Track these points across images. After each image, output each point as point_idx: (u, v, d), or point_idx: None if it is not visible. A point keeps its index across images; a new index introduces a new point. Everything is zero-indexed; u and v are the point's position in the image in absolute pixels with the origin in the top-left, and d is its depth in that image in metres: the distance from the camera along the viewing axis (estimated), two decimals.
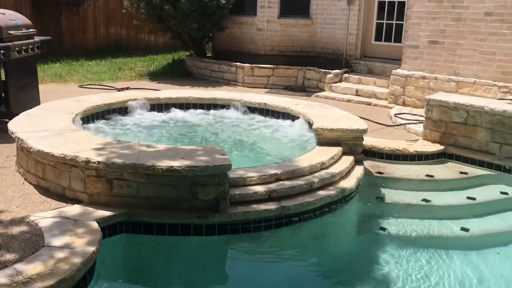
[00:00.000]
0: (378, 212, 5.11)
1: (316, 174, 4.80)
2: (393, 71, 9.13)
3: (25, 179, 4.65)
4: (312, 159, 4.97)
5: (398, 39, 10.20)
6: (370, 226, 4.88)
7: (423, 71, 8.76)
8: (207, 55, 12.76)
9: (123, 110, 6.57)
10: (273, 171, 4.54)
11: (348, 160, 5.33)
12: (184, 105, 7.07)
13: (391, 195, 5.54)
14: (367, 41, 10.73)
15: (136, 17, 11.94)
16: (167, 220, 4.03)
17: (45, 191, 4.37)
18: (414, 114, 8.14)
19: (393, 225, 4.85)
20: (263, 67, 10.81)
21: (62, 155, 4.11)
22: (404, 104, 8.92)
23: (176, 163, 3.96)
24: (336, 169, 5.02)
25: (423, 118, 7.76)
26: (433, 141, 6.64)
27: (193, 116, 6.81)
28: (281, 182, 4.53)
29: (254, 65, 10.82)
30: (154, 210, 4.07)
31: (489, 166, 6.16)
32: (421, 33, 8.76)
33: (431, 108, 6.65)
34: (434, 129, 6.65)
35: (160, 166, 3.93)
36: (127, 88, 9.83)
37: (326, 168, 4.97)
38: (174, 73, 11.87)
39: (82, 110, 5.84)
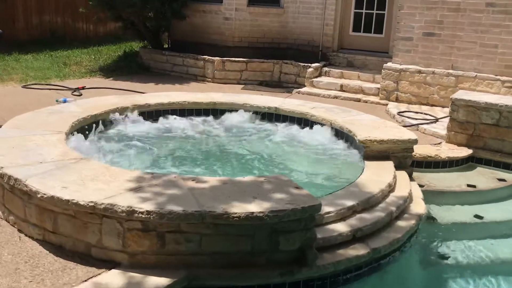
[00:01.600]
0: (438, 238, 4.43)
1: (388, 200, 4.01)
2: (385, 65, 8.53)
3: (20, 231, 3.41)
4: (375, 180, 4.15)
5: (379, 30, 9.64)
6: (436, 256, 4.18)
7: (417, 64, 8.23)
8: (164, 46, 11.46)
9: (110, 120, 5.37)
10: (349, 203, 3.67)
11: (403, 177, 4.58)
12: (178, 111, 5.95)
13: (441, 213, 4.88)
14: (344, 32, 10.05)
15: (75, 4, 10.38)
16: (241, 282, 3.04)
17: (58, 250, 3.18)
18: (418, 112, 7.59)
19: (458, 252, 4.20)
20: (235, 61, 9.79)
21: (91, 204, 2.96)
22: (397, 100, 8.36)
23: (254, 208, 2.97)
24: (402, 191, 4.25)
25: (431, 117, 7.26)
26: (459, 144, 6.10)
27: (193, 125, 5.73)
28: (358, 215, 3.68)
29: (225, 58, 9.77)
30: (222, 268, 3.05)
31: None
32: (414, 24, 8.21)
33: (456, 109, 6.08)
34: (460, 131, 6.10)
35: (235, 213, 2.91)
36: (83, 88, 8.40)
37: (392, 190, 4.19)
38: (129, 68, 10.48)
39: (69, 126, 4.59)
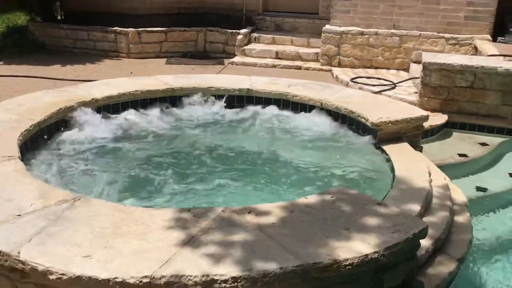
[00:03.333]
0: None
1: (435, 192, 3.51)
2: (324, 28, 7.99)
3: None
4: (412, 170, 3.61)
5: None
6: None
7: (358, 26, 7.83)
8: (58, 18, 9.73)
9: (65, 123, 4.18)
10: (415, 207, 3.08)
11: (424, 159, 4.13)
12: (130, 103, 4.85)
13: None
14: None
15: None
16: None
17: None
18: (371, 77, 7.24)
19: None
20: (153, 31, 8.57)
21: (145, 280, 2.00)
22: (340, 65, 7.94)
23: (362, 247, 2.24)
24: (438, 178, 3.79)
25: (387, 82, 6.94)
26: (432, 110, 5.84)
27: (159, 120, 4.69)
28: (425, 218, 3.12)
29: (141, 29, 8.50)
30: None
31: (499, 131, 5.63)
32: None
33: (429, 73, 5.78)
34: (433, 97, 5.83)
35: (347, 259, 2.17)
36: None
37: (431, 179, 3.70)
38: (20, 47, 8.72)
39: (17, 145, 3.35)
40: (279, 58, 8.38)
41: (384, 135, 4.18)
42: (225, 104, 5.04)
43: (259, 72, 7.87)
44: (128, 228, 2.35)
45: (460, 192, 3.83)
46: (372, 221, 2.47)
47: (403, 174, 3.53)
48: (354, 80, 7.06)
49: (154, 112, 4.81)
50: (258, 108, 5.00)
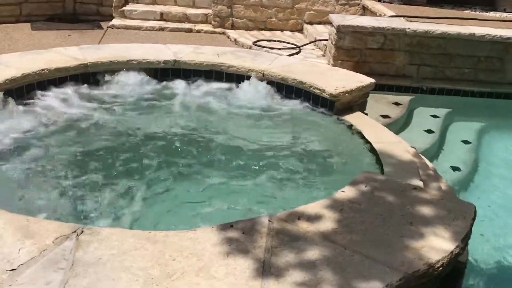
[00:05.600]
0: None
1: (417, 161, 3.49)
2: None
3: None
4: (387, 140, 3.56)
5: None
6: None
7: None
8: None
9: None
10: (418, 182, 3.01)
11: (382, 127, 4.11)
12: (37, 85, 3.95)
13: None
14: None
15: None
16: None
17: None
18: (271, 40, 7.01)
19: None
20: None
21: None
22: (233, 27, 7.54)
23: (446, 244, 2.07)
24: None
25: (291, 45, 6.80)
26: None
27: (76, 104, 3.88)
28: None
29: None
30: None
31: (406, 90, 5.91)
32: None
33: (343, 36, 5.76)
34: (347, 59, 5.86)
35: (438, 261, 1.97)
36: None
37: None
38: None
39: None
40: (165, 20, 7.66)
41: (340, 105, 4.05)
42: (152, 80, 4.40)
43: (147, 36, 7.13)
44: (179, 263, 1.83)
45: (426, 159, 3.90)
46: (425, 210, 2.31)
47: (382, 147, 3.44)
48: (257, 43, 6.77)
49: (71, 95, 3.99)
50: (190, 82, 4.46)
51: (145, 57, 4.43)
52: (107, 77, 4.27)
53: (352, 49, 5.80)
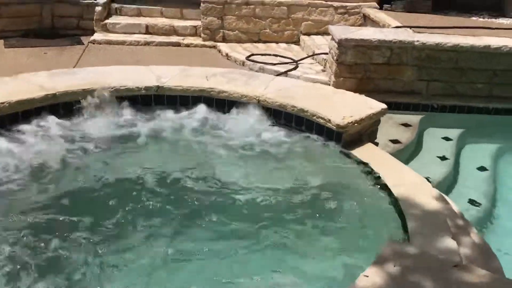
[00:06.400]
0: None
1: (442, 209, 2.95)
2: None
3: None
4: (409, 182, 3.02)
5: None
6: None
7: None
8: None
9: None
10: (451, 243, 2.47)
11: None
12: None
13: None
14: None
15: None
16: None
17: None
18: (266, 54, 6.47)
19: None
20: None
21: None
22: (225, 40, 7.00)
23: None
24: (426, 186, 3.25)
25: (288, 60, 6.26)
26: (348, 90, 5.33)
27: (39, 143, 3.32)
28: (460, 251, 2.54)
29: None
30: None
31: (415, 108, 5.38)
32: None
33: (345, 51, 5.23)
34: (349, 76, 5.33)
35: None
36: None
37: None
38: None
39: None
40: (151, 33, 7.11)
41: (348, 137, 3.52)
42: (131, 109, 3.85)
43: (131, 52, 6.59)
44: None
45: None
46: None
47: (402, 194, 2.90)
48: (250, 58, 6.23)
49: (31, 133, 3.42)
50: (174, 111, 3.91)
51: (123, 83, 3.89)
52: (79, 108, 3.72)
53: (355, 64, 5.27)
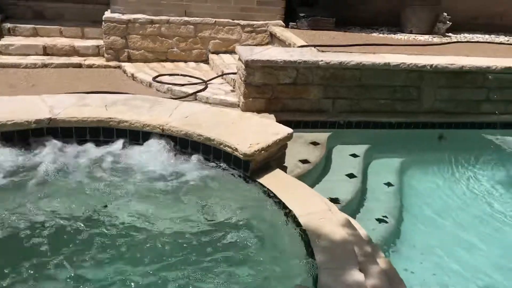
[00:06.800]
0: None
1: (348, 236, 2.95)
2: (105, 16, 6.61)
3: None
4: (315, 210, 3.00)
5: None
6: None
7: (145, 13, 6.72)
8: None
9: None
10: (359, 276, 2.45)
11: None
12: None
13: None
14: None
15: None
16: None
17: None
18: (174, 74, 6.29)
19: None
20: None
21: None
22: (130, 59, 6.74)
23: None
24: (334, 212, 3.25)
25: (196, 80, 6.13)
26: (258, 111, 5.32)
27: None
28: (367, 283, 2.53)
29: None
30: None
31: (323, 125, 5.45)
32: None
33: (252, 72, 5.19)
34: (258, 96, 5.30)
35: None
36: None
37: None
38: None
39: None
40: (49, 55, 6.67)
41: (255, 165, 3.45)
42: (18, 145, 3.52)
43: (27, 76, 6.12)
44: None
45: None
46: None
47: (310, 223, 2.87)
48: (157, 79, 6.02)
49: None
50: (67, 145, 3.62)
51: (9, 118, 3.54)
52: None
53: (263, 85, 5.25)
